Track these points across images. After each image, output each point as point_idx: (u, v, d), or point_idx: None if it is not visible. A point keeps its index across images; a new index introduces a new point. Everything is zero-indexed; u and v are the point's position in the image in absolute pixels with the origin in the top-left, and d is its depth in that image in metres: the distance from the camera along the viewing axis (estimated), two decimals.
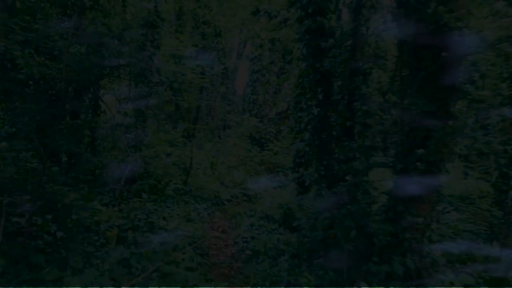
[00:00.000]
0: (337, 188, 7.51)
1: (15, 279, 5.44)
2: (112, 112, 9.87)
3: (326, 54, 8.02)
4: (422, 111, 6.00)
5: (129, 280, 6.03)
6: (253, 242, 9.11)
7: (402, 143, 6.71)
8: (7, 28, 5.95)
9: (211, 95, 25.56)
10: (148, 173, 10.93)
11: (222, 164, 17.09)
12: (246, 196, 14.83)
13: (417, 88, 6.51)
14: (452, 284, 5.98)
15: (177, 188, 11.85)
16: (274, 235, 9.61)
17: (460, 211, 12.19)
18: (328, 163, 8.25)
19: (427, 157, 6.08)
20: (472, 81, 7.38)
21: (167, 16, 16.65)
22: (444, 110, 6.29)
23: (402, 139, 6.72)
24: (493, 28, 8.29)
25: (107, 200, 9.59)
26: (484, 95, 6.87)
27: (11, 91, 7.53)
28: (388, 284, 5.95)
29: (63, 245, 6.65)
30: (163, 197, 10.83)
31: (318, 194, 8.26)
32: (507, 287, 5.83)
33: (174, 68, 10.66)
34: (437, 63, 6.14)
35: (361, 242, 6.38)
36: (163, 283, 6.24)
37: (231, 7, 20.37)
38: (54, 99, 6.00)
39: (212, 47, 22.52)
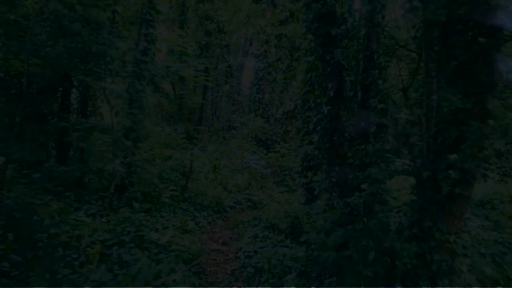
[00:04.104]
0: (351, 199, 6.50)
1: None
2: (99, 112, 8.99)
3: (337, 44, 6.99)
4: (456, 108, 4.96)
5: None
6: (256, 257, 8.12)
7: (429, 147, 5.69)
8: None
9: (216, 95, 24.62)
10: (141, 179, 9.97)
11: (225, 168, 16.11)
12: (251, 202, 13.84)
13: (446, 81, 5.49)
14: None
15: (174, 195, 10.88)
16: (279, 248, 8.63)
17: (481, 218, 11.23)
18: (340, 169, 7.22)
19: (462, 164, 5.04)
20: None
21: (166, 10, 15.76)
22: (481, 107, 5.25)
23: (428, 142, 5.70)
24: None
25: (94, 210, 8.67)
26: None
27: None
28: None
29: (32, 267, 5.73)
30: (158, 205, 9.87)
31: (329, 204, 7.24)
32: None
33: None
34: (472, 50, 5.10)
35: (381, 265, 5.36)
36: None
37: (234, 1, 19.41)
38: (19, 97, 5.12)
39: (215, 43, 21.54)
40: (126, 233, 7.73)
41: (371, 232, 5.71)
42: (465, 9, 5.03)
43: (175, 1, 20.91)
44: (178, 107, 19.61)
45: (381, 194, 6.98)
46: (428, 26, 5.54)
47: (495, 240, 9.05)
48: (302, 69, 13.63)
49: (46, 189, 6.78)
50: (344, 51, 7.12)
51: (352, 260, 5.49)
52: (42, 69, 5.03)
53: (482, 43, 5.04)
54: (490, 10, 4.77)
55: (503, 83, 5.46)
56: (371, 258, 5.31)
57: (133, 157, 9.48)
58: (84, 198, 9.26)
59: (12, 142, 4.72)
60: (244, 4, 19.65)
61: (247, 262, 8.11)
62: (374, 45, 7.52)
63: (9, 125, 4.95)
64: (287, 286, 6.82)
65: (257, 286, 7.04)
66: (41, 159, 6.61)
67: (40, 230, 6.24)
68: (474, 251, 7.72)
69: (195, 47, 20.39)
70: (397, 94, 8.29)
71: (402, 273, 5.33)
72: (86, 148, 9.10)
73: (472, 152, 5.12)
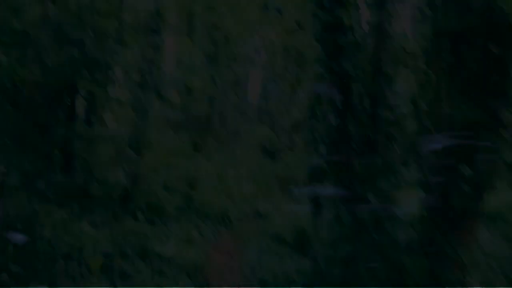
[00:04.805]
0: (359, 211, 6.34)
1: None
2: (104, 121, 8.96)
3: (345, 53, 6.88)
4: (468, 120, 4.81)
5: None
6: (261, 270, 7.94)
7: (439, 159, 5.53)
8: None
9: (222, 104, 24.60)
10: (146, 189, 9.88)
11: (231, 178, 15.96)
12: (257, 212, 13.66)
13: (458, 92, 5.35)
14: None
15: (179, 205, 10.76)
16: (285, 261, 8.44)
17: (494, 232, 11.00)
18: (348, 181, 7.07)
19: (475, 178, 4.88)
20: None
21: (174, 20, 15.79)
22: (494, 118, 5.10)
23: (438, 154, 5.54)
24: None
25: (98, 220, 8.57)
26: None
27: None
28: None
29: (32, 279, 5.62)
30: (163, 216, 9.75)
31: (336, 217, 7.07)
32: None
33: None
34: (485, 60, 4.96)
35: (390, 281, 5.18)
36: None
37: (240, 9, 19.45)
38: (22, 105, 5.05)
39: (222, 53, 21.56)
40: (129, 244, 7.62)
41: (380, 246, 5.54)
42: (478, 18, 4.92)
43: (182, 11, 20.98)
44: (184, 116, 19.59)
45: (390, 207, 6.79)
46: (439, 35, 5.41)
47: (509, 255, 8.81)
48: (309, 76, 13.56)
49: (48, 199, 6.70)
50: (353, 59, 7.01)
51: (360, 275, 5.32)
52: (45, 77, 4.98)
53: (495, 53, 4.91)
54: (505, 16, 4.65)
55: None
56: (379, 273, 5.13)
57: (137, 167, 9.41)
58: (87, 208, 9.17)
59: (13, 151, 4.65)
60: (252, 14, 19.69)
61: (252, 275, 7.93)
62: (382, 55, 7.39)
63: (11, 133, 4.88)
64: None
65: None
66: (45, 168, 6.54)
67: (41, 241, 6.14)
68: (487, 267, 7.50)
69: (202, 57, 20.41)
70: (406, 105, 8.15)
71: None
72: (90, 157, 9.06)
73: (485, 165, 4.97)
